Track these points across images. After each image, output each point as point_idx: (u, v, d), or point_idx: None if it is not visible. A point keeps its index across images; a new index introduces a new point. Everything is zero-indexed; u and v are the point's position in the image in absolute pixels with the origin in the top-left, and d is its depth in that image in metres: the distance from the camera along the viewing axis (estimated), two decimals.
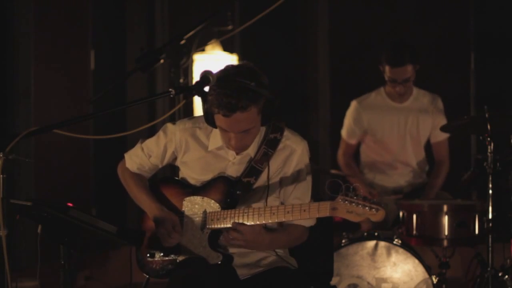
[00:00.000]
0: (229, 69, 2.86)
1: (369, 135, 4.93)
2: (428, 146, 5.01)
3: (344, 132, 5.00)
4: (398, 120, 4.88)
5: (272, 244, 2.96)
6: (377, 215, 2.70)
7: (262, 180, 2.98)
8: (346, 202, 2.73)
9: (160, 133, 3.08)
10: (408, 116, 4.87)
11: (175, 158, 3.10)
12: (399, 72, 4.72)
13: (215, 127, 2.91)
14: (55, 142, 5.15)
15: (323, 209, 2.78)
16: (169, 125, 3.09)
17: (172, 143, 3.05)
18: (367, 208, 2.70)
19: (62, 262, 2.78)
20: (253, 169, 2.97)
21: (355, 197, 2.72)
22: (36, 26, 5.23)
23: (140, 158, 3.12)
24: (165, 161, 3.11)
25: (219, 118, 2.83)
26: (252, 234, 2.83)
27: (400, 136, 4.88)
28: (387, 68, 4.76)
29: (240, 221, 2.87)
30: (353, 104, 4.96)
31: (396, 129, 4.88)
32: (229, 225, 2.89)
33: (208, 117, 2.88)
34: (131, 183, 3.12)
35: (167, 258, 2.99)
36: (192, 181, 3.06)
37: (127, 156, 3.15)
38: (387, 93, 4.90)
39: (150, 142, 3.10)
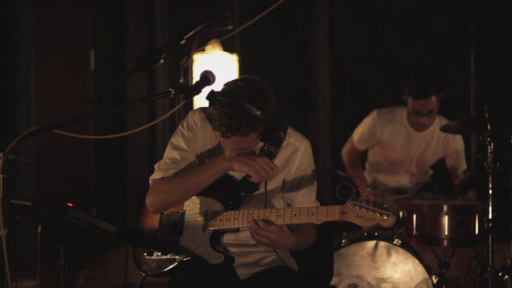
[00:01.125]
0: (240, 86, 2.80)
1: (378, 147, 4.93)
2: None
3: (355, 137, 4.98)
4: (409, 144, 4.86)
5: (295, 245, 2.93)
6: (388, 221, 2.69)
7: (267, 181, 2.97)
8: (356, 207, 2.71)
9: (184, 127, 2.98)
10: (421, 144, 4.85)
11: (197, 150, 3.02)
12: (423, 104, 4.64)
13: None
14: (55, 142, 5.15)
15: (332, 213, 2.76)
16: (190, 114, 2.98)
17: (197, 131, 2.98)
18: (377, 213, 2.69)
19: (62, 262, 2.78)
20: None
21: (365, 202, 2.71)
22: (36, 26, 5.23)
23: (173, 155, 2.94)
24: (197, 150, 3.00)
25: (217, 134, 2.83)
26: (278, 234, 2.81)
27: (408, 158, 4.88)
28: (410, 100, 4.67)
29: (245, 223, 2.87)
30: (373, 114, 4.91)
31: (406, 151, 4.87)
32: (232, 226, 2.89)
33: (211, 120, 2.87)
34: (176, 181, 2.88)
35: (165, 257, 2.99)
36: None
37: (156, 166, 2.95)
38: (409, 118, 4.81)
39: (180, 138, 2.96)
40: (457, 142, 4.89)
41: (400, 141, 4.85)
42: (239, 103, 2.75)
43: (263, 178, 2.81)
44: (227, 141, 2.81)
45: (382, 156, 4.95)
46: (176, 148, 2.96)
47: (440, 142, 4.83)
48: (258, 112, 2.75)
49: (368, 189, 4.64)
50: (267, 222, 2.81)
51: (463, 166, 4.93)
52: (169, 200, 2.91)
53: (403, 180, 4.94)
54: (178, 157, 2.94)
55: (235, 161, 2.81)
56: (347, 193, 2.73)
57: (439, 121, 4.79)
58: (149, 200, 2.93)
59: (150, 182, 2.96)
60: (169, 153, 2.96)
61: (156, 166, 2.96)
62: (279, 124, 2.83)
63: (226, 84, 2.85)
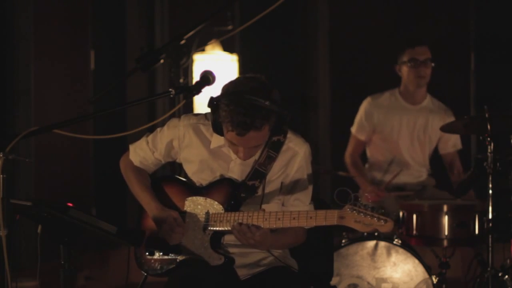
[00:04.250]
0: (242, 83, 2.82)
1: (377, 133, 4.94)
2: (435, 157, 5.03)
3: (354, 128, 5.00)
4: (407, 120, 4.90)
5: (273, 245, 2.95)
6: (386, 226, 2.69)
7: (266, 183, 2.98)
8: (354, 211, 2.71)
9: (165, 127, 3.08)
10: (418, 118, 4.90)
11: (178, 154, 3.09)
12: (419, 51, 4.83)
13: (223, 135, 2.90)
14: (55, 142, 5.15)
15: (330, 218, 2.77)
16: (173, 119, 3.08)
17: (175, 137, 3.04)
18: (375, 218, 2.69)
19: (62, 262, 2.78)
20: (258, 172, 2.96)
21: (363, 207, 2.71)
22: (36, 26, 5.23)
23: (144, 152, 3.10)
24: (168, 157, 3.10)
25: (231, 135, 2.81)
26: (261, 236, 2.82)
27: (408, 136, 4.90)
28: (407, 53, 4.84)
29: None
30: (367, 100, 4.99)
31: (405, 128, 4.90)
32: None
33: (217, 127, 2.87)
34: (132, 178, 3.11)
35: (166, 257, 2.99)
36: (195, 180, 3.06)
37: (131, 147, 3.14)
38: (401, 93, 4.94)
39: (154, 137, 3.09)
40: (456, 137, 4.94)
41: (397, 116, 4.90)
42: (247, 98, 2.75)
43: (167, 241, 2.95)
44: (242, 139, 2.80)
45: (382, 141, 4.94)
46: (152, 142, 3.09)
47: (439, 117, 4.90)
48: (267, 103, 2.76)
49: (366, 194, 4.65)
50: (257, 227, 2.82)
51: (459, 164, 4.95)
52: (126, 182, 3.15)
53: (402, 177, 4.91)
54: (149, 152, 3.09)
55: (153, 217, 2.98)
56: (346, 197, 2.74)
57: (430, 99, 4.95)
58: (120, 164, 3.18)
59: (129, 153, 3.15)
60: (148, 142, 3.10)
61: (135, 144, 3.13)
62: (288, 113, 2.84)
63: (225, 86, 2.85)
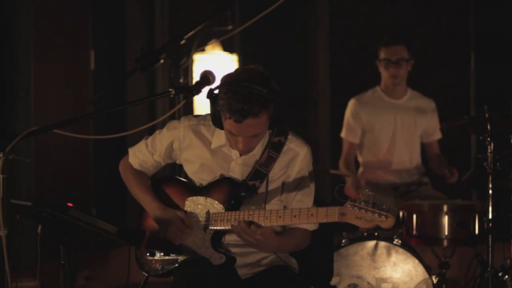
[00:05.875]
0: (240, 73, 2.85)
1: (367, 133, 4.94)
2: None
3: (344, 132, 5.00)
4: (395, 117, 4.92)
5: (279, 248, 2.95)
6: (387, 222, 2.69)
7: (268, 182, 2.98)
8: (356, 208, 2.72)
9: (164, 129, 3.08)
10: (405, 114, 4.92)
11: (178, 156, 3.09)
12: (393, 51, 4.83)
13: (222, 128, 2.91)
14: (55, 142, 5.15)
15: (331, 214, 2.77)
16: (173, 121, 3.09)
17: (175, 139, 3.05)
18: (376, 214, 2.69)
19: (62, 262, 2.78)
20: (258, 172, 2.97)
21: (364, 203, 2.71)
22: (36, 26, 5.23)
23: (143, 155, 3.11)
24: (168, 158, 3.10)
25: (229, 123, 2.82)
26: (263, 235, 2.82)
27: (398, 132, 4.90)
28: (382, 51, 4.86)
29: None
30: (351, 102, 5.01)
31: (393, 125, 4.91)
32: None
33: (216, 119, 2.88)
34: (132, 181, 3.11)
35: (167, 258, 2.99)
36: (195, 180, 3.06)
37: (131, 151, 3.14)
38: (383, 89, 4.96)
39: (154, 139, 3.10)
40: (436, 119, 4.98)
41: (384, 114, 4.91)
42: (244, 86, 2.76)
43: (172, 241, 2.96)
44: (240, 127, 2.80)
45: (372, 141, 4.94)
46: (151, 145, 3.09)
47: (424, 110, 4.94)
48: (265, 90, 2.77)
49: (366, 191, 4.62)
50: (257, 226, 2.82)
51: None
52: (126, 185, 3.16)
53: (394, 178, 4.91)
54: (148, 154, 3.09)
55: (154, 218, 2.99)
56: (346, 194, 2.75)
57: (411, 92, 4.97)
58: (120, 167, 3.18)
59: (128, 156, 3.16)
60: (147, 145, 3.11)
61: (134, 148, 3.14)
62: (285, 104, 2.84)
63: (223, 77, 2.87)
